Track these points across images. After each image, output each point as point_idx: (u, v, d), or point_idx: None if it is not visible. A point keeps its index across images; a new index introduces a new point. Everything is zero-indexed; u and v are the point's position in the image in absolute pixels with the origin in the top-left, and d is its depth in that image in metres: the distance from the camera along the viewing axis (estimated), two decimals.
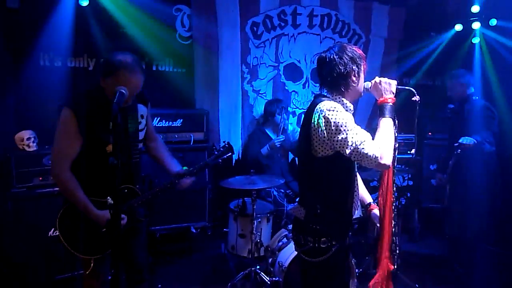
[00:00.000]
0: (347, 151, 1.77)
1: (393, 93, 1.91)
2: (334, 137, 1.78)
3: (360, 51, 1.96)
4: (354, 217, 2.07)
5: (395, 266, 2.04)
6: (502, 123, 3.63)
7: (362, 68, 1.94)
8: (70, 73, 3.95)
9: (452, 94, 3.67)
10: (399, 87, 1.94)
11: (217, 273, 3.74)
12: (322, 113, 1.81)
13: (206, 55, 4.31)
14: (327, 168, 1.90)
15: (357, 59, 1.91)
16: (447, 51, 4.98)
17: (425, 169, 4.66)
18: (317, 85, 4.70)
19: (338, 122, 1.77)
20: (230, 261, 3.85)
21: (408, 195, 4.48)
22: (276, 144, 4.01)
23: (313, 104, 1.91)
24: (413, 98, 1.94)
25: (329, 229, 1.93)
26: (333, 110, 1.80)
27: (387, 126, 1.85)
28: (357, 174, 2.09)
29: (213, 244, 4.31)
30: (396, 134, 1.90)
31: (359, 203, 2.12)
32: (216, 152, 2.56)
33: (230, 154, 2.57)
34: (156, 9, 4.06)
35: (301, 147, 1.98)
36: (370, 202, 2.23)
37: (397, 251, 2.05)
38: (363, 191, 2.24)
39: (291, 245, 3.11)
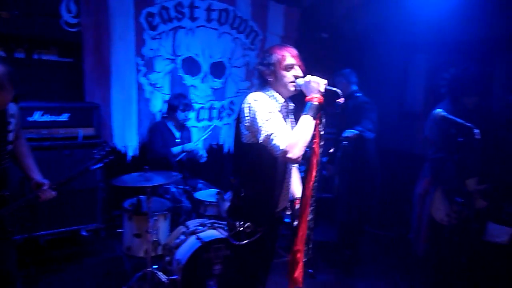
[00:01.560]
0: (260, 138, 1.92)
1: (320, 92, 1.96)
2: (253, 123, 1.95)
3: (280, 52, 2.08)
4: (280, 208, 2.19)
5: (306, 259, 2.11)
6: (382, 118, 3.99)
7: (276, 68, 2.07)
8: None
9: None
10: (327, 87, 1.98)
11: (112, 276, 3.52)
12: (247, 102, 2.00)
13: (96, 44, 4.00)
14: (252, 155, 2.04)
15: (265, 60, 2.08)
16: (341, 52, 5.32)
17: None
18: (216, 79, 4.78)
19: (257, 111, 1.94)
20: (126, 263, 3.65)
21: None
22: (190, 149, 4.01)
23: (246, 95, 2.08)
24: (337, 100, 1.99)
25: (253, 214, 2.07)
26: (256, 100, 1.98)
27: (304, 123, 1.90)
28: (294, 168, 2.26)
29: (107, 246, 4.05)
30: (323, 132, 1.99)
31: (289, 197, 2.23)
32: (97, 156, 2.42)
33: (112, 158, 2.57)
34: None
35: (234, 136, 2.13)
36: (296, 197, 2.30)
37: (311, 245, 2.11)
38: (295, 186, 2.34)
39: (189, 241, 3.06)
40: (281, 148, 1.84)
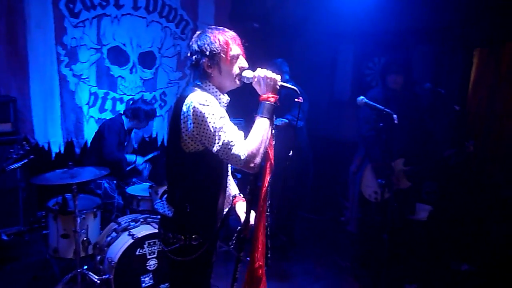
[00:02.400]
0: (215, 149, 1.67)
1: (276, 90, 1.76)
2: (203, 132, 1.68)
3: (223, 40, 1.76)
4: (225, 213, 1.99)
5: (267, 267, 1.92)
6: (313, 107, 4.11)
7: (221, 60, 1.77)
8: None
9: None
10: (283, 84, 1.80)
11: (39, 281, 3.30)
12: (191, 106, 1.68)
13: (10, 32, 3.69)
14: (197, 165, 1.79)
15: (207, 50, 1.74)
16: (272, 42, 5.35)
17: None
18: (146, 70, 4.61)
19: (207, 117, 1.66)
20: (53, 266, 3.43)
21: (239, 176, 4.73)
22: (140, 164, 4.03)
23: (183, 95, 1.74)
24: (296, 99, 1.80)
25: (200, 227, 1.84)
26: (204, 105, 1.67)
27: (262, 126, 1.72)
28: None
29: (32, 250, 3.78)
30: (274, 131, 1.79)
31: (230, 199, 2.05)
32: (14, 155, 2.24)
33: (32, 157, 2.43)
34: None
35: (171, 142, 1.82)
36: (235, 194, 2.10)
37: (269, 254, 1.93)
38: (231, 183, 2.13)
39: (121, 238, 2.95)
40: (242, 158, 1.64)
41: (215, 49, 1.74)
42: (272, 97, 1.75)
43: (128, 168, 3.91)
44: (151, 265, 2.95)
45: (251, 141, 1.69)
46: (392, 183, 2.74)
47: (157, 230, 2.96)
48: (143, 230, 2.95)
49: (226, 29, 1.82)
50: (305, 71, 4.78)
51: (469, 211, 4.06)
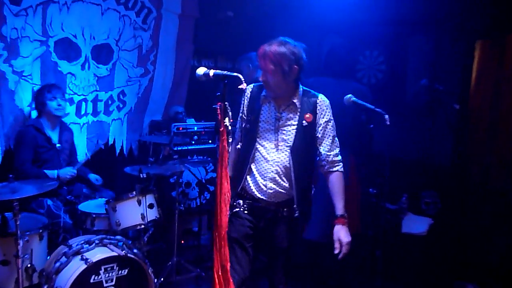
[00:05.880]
0: None
1: None
2: None
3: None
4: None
5: None
6: None
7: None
8: None
9: (243, 76, 4.04)
10: (228, 73, 2.18)
11: None
12: None
13: None
14: None
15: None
16: (247, 33, 5.42)
17: None
18: (101, 65, 4.59)
19: None
20: None
21: (212, 189, 4.75)
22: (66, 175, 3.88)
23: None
24: (239, 86, 2.21)
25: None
26: None
27: None
28: None
29: None
30: (230, 127, 2.13)
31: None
32: None
33: None
34: None
35: None
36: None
37: None
38: None
39: (72, 263, 2.94)
40: None
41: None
42: None
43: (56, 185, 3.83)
44: None
45: None
46: (384, 192, 2.81)
47: (115, 254, 2.98)
48: (98, 254, 2.95)
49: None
50: None
51: (474, 224, 4.18)
